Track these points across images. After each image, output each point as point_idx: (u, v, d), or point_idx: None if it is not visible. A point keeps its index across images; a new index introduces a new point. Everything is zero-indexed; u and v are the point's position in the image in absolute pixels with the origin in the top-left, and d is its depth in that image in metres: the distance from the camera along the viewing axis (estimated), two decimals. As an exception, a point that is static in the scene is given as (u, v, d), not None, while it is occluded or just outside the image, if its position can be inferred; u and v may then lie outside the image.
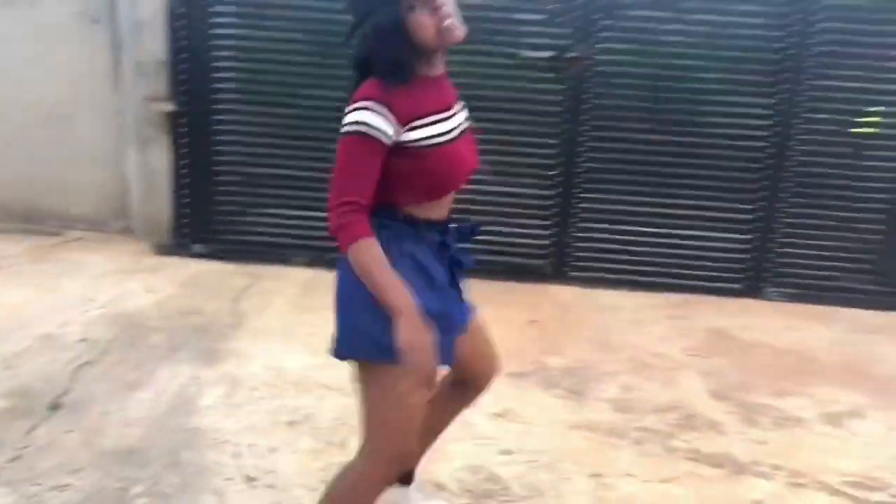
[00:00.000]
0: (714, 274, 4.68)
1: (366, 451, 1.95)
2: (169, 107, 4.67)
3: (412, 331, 1.73)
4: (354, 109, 1.75)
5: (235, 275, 4.56)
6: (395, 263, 1.78)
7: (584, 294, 4.55)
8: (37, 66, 4.90)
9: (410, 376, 1.80)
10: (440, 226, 1.93)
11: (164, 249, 4.85)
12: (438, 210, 1.92)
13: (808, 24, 4.32)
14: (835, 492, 2.77)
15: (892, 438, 3.18)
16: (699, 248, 4.67)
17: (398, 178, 1.81)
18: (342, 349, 1.91)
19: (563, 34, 4.42)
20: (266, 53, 4.61)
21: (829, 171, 4.52)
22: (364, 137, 1.73)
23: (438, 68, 1.88)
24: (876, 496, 2.76)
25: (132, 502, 2.46)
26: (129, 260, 4.68)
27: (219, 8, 4.56)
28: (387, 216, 1.85)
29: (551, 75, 4.49)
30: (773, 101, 4.44)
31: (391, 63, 1.77)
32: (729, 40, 4.42)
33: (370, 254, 1.74)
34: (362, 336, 1.84)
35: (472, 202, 4.30)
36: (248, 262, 4.73)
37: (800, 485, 2.80)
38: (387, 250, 1.78)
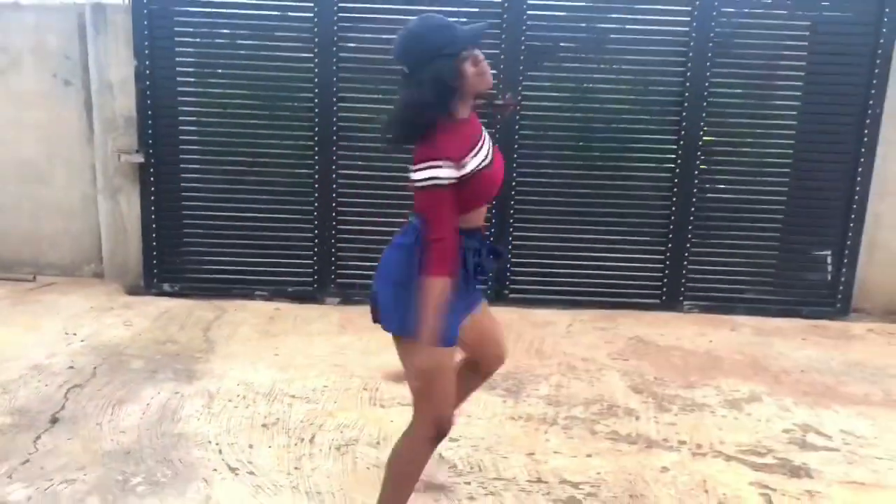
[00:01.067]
0: (636, 291, 5.28)
1: (415, 415, 2.38)
2: (138, 159, 5.12)
3: (429, 359, 2.19)
4: (426, 168, 2.16)
5: (203, 309, 4.98)
6: None
7: (522, 313, 5.07)
8: (13, 127, 5.33)
9: (447, 352, 2.27)
10: (478, 232, 2.41)
11: (136, 289, 5.25)
12: (476, 219, 2.39)
13: (704, 68, 4.99)
14: (729, 458, 3.30)
15: (781, 416, 3.73)
16: (623, 269, 5.26)
17: (465, 195, 2.24)
18: (399, 327, 2.30)
19: (510, 82, 5.01)
20: (225, 109, 5.12)
21: (729, 197, 5.17)
22: (441, 188, 2.17)
23: (468, 111, 2.34)
24: (762, 460, 3.29)
25: (133, 490, 2.85)
26: (104, 300, 5.06)
27: (181, 69, 5.08)
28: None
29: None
30: (678, 138, 5.09)
31: (438, 104, 2.19)
32: (641, 86, 5.09)
33: (440, 291, 2.15)
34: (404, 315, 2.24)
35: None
36: (214, 297, 5.17)
37: (701, 454, 3.32)
38: None
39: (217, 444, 3.24)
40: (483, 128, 2.41)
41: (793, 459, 3.30)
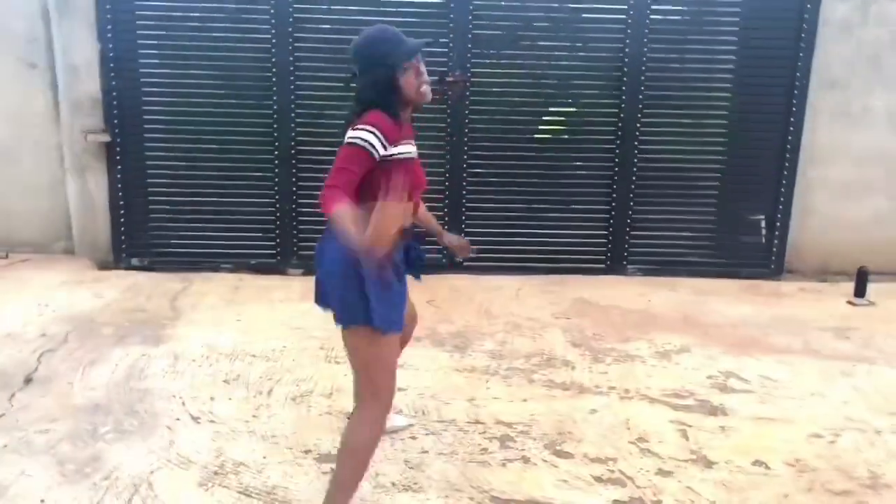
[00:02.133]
0: (583, 257, 5.59)
1: (368, 397, 2.45)
2: (104, 138, 5.32)
3: (369, 257, 2.08)
4: (361, 129, 2.32)
5: (170, 281, 5.21)
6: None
7: (475, 279, 5.36)
8: (-19, 109, 5.50)
9: (389, 338, 2.42)
10: (405, 232, 2.51)
11: (105, 264, 5.47)
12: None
13: (641, 44, 5.28)
14: (653, 401, 3.61)
15: (706, 365, 4.04)
16: (570, 237, 5.57)
17: (380, 182, 2.24)
18: (343, 318, 2.39)
19: (440, 62, 5.26)
20: (188, 89, 5.34)
21: (668, 166, 5.48)
22: (360, 148, 2.31)
23: (410, 116, 2.53)
24: (684, 402, 3.60)
25: (102, 437, 3.11)
26: (75, 274, 5.28)
27: (145, 51, 5.28)
28: None
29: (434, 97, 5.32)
30: (619, 111, 5.39)
31: (383, 106, 2.37)
32: (583, 65, 5.37)
33: (343, 216, 2.15)
34: (356, 307, 2.33)
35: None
36: (181, 270, 5.40)
37: (627, 398, 3.63)
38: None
39: (181, 397, 3.49)
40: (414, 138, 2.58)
41: (712, 401, 3.62)
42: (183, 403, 3.44)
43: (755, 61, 5.37)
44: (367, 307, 2.32)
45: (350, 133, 2.37)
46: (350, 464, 2.46)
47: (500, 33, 5.31)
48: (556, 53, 5.36)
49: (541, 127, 5.51)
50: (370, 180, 2.33)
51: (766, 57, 5.37)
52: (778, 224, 5.56)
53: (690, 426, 3.36)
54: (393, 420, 3.16)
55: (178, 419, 3.29)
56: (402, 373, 3.77)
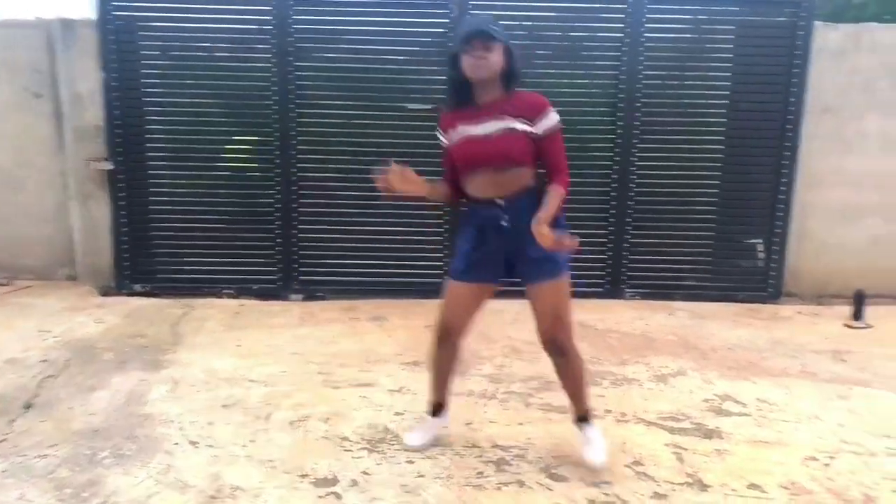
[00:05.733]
0: (581, 281, 5.57)
1: None
2: (107, 166, 5.40)
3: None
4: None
5: (172, 307, 5.26)
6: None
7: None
8: (-14, 138, 5.60)
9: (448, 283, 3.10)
10: (486, 202, 2.93)
11: (108, 290, 5.53)
12: (475, 189, 2.95)
13: (636, 70, 5.35)
14: (649, 424, 3.62)
15: (702, 388, 4.06)
16: (570, 261, 5.57)
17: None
18: None
19: (441, 89, 5.34)
20: (190, 117, 5.43)
21: (666, 191, 5.54)
22: (443, 147, 3.05)
23: (481, 100, 2.88)
24: (679, 425, 3.61)
25: (100, 462, 3.13)
26: (77, 300, 5.33)
27: (148, 80, 5.37)
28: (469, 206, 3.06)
29: (434, 123, 5.39)
30: (616, 136, 5.45)
31: (453, 89, 2.93)
32: (582, 90, 5.44)
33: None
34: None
35: (378, 234, 5.22)
36: (183, 296, 5.45)
37: (623, 421, 3.65)
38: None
39: (179, 422, 3.52)
40: (495, 118, 2.85)
41: (708, 424, 3.63)
42: (181, 428, 3.46)
43: (750, 87, 5.45)
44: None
45: None
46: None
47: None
48: (553, 81, 5.43)
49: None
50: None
51: (761, 83, 5.44)
52: (775, 248, 5.59)
53: (686, 449, 3.37)
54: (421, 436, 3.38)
55: (176, 444, 3.31)
56: (401, 398, 3.82)
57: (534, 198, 2.86)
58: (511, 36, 2.86)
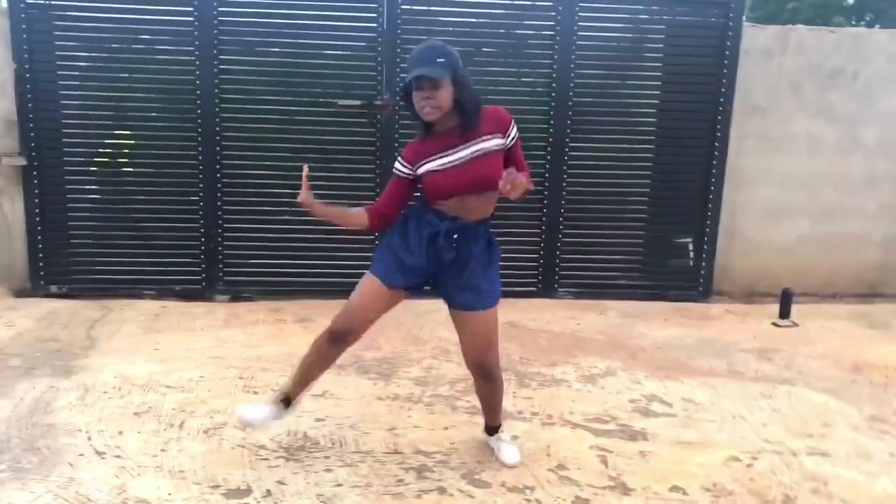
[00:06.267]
0: (514, 280, 5.56)
1: None
2: (20, 161, 5.14)
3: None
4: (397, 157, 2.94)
5: (90, 309, 5.04)
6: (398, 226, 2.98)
7: (405, 304, 5.25)
8: None
9: (366, 278, 3.03)
10: (453, 218, 2.87)
11: (22, 292, 5.27)
12: (453, 208, 2.86)
13: (568, 70, 5.33)
14: (575, 426, 3.58)
15: (630, 388, 4.04)
16: (502, 260, 5.50)
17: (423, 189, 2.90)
18: None
19: (371, 85, 5.23)
20: (109, 111, 5.21)
21: (597, 190, 5.53)
22: (392, 175, 2.96)
23: (445, 127, 2.83)
24: (605, 426, 3.58)
25: (-4, 476, 2.95)
26: (-13, 302, 5.07)
27: (64, 72, 5.13)
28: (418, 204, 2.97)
29: (364, 120, 5.29)
30: (548, 136, 5.42)
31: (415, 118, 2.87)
32: (516, 96, 5.39)
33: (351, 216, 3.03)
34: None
35: (306, 232, 5.09)
36: (101, 297, 5.23)
37: (550, 423, 3.60)
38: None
39: (87, 431, 3.34)
40: (465, 143, 2.82)
41: (633, 425, 3.60)
42: (89, 438, 3.29)
43: (680, 87, 5.47)
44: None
45: None
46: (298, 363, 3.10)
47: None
48: (487, 79, 5.37)
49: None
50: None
51: (691, 83, 5.47)
52: (705, 247, 5.63)
53: (611, 452, 3.34)
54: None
55: (81, 455, 3.14)
56: (323, 403, 3.71)
57: (488, 228, 2.97)
58: (458, 58, 2.81)
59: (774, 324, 5.24)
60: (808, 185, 5.79)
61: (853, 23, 19.59)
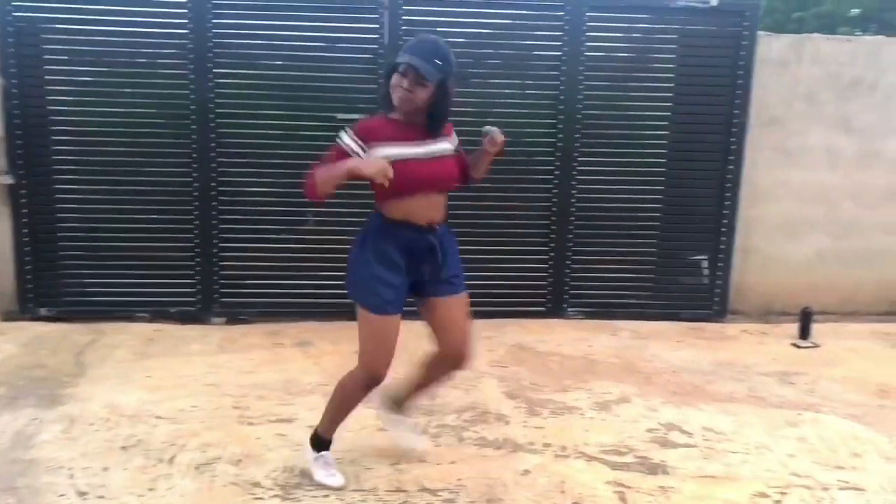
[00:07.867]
0: (523, 300, 5.37)
1: (358, 362, 2.95)
2: (7, 180, 4.96)
3: (359, 164, 2.63)
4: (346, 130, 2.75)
5: (80, 332, 4.84)
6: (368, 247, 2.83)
7: (408, 325, 5.03)
8: None
9: (376, 318, 2.87)
10: (415, 226, 2.80)
11: (10, 315, 5.07)
12: (411, 211, 2.78)
13: (576, 82, 5.14)
14: (590, 459, 3.36)
15: (647, 416, 3.82)
16: (509, 280, 5.34)
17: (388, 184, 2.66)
18: (349, 291, 2.92)
19: (372, 99, 5.04)
20: (101, 127, 5.01)
21: (607, 206, 5.33)
22: (336, 146, 2.73)
23: (410, 119, 2.75)
24: (622, 459, 3.36)
25: (-32, 521, 2.74)
26: (-28, 327, 4.86)
27: (53, 87, 4.95)
28: (376, 218, 2.86)
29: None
30: (555, 150, 5.23)
31: (381, 99, 2.88)
32: (515, 107, 5.20)
33: (317, 175, 2.68)
34: (357, 286, 2.88)
35: (305, 251, 4.93)
36: (93, 320, 5.03)
37: (563, 456, 3.38)
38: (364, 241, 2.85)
39: (70, 468, 3.13)
40: (436, 139, 2.81)
41: (652, 457, 3.38)
42: (71, 476, 3.08)
43: (693, 99, 5.28)
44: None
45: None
46: (330, 407, 3.07)
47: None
48: (494, 93, 5.19)
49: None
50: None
51: (704, 94, 5.28)
52: (720, 264, 5.41)
53: (629, 487, 3.12)
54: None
55: (62, 495, 2.93)
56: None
57: (446, 225, 2.97)
58: (455, 67, 2.74)
59: (794, 345, 5.02)
60: (826, 199, 5.58)
61: (858, 33, 19.44)
